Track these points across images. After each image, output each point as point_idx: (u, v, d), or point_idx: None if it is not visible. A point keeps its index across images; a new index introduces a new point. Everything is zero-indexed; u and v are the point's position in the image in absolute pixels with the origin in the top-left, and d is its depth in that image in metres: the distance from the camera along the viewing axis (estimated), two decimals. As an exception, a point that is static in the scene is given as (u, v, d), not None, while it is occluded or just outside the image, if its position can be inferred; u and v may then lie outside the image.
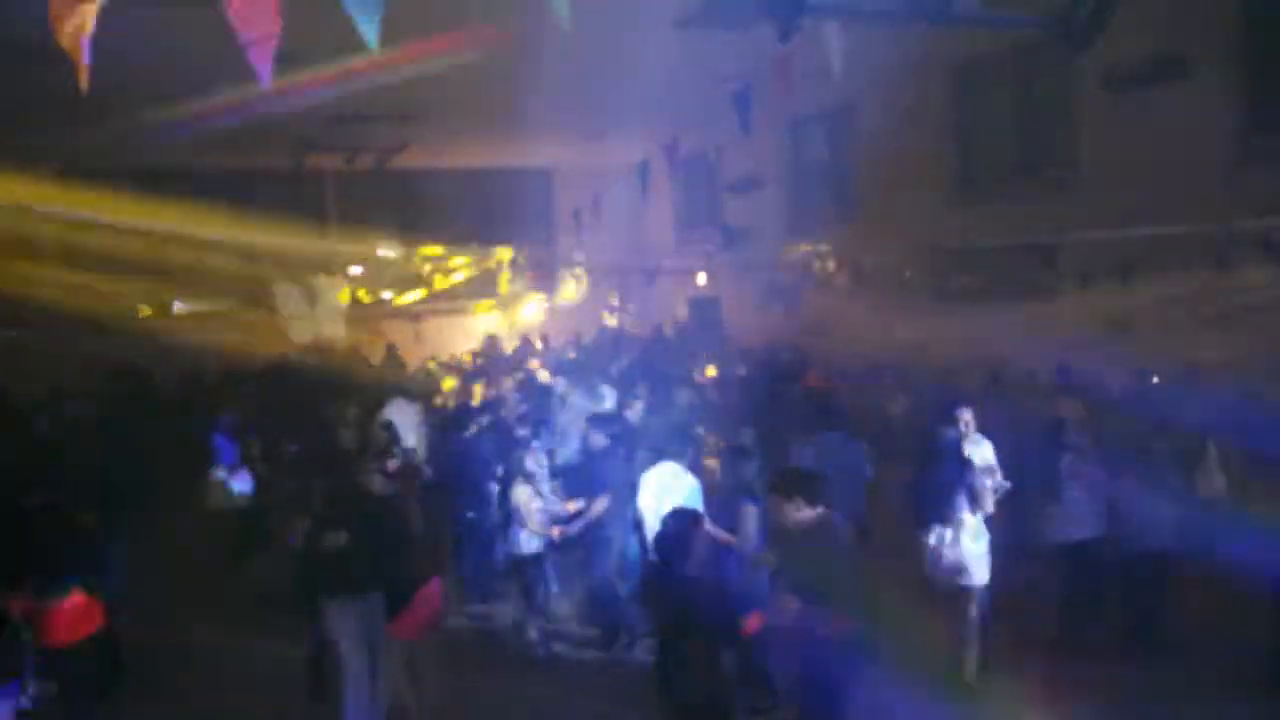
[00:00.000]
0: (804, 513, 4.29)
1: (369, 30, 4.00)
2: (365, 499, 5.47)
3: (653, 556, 5.35)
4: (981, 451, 5.85)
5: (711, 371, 10.97)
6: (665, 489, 5.78)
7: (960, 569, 5.40)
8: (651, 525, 5.75)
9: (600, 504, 6.27)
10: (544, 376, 10.55)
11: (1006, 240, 10.33)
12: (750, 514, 5.59)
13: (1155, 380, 8.34)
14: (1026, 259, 10.35)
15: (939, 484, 5.42)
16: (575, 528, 6.36)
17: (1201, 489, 6.76)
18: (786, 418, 8.62)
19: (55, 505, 5.38)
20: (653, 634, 5.75)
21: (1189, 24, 8.42)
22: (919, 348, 11.26)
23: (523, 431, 7.61)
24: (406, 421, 8.52)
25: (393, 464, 7.04)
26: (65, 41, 3.94)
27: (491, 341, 15.18)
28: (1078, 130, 9.60)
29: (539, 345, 14.86)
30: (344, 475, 5.86)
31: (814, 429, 6.78)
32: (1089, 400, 6.70)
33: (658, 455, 6.04)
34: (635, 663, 6.09)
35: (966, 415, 5.88)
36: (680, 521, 4.57)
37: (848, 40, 6.65)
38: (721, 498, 5.94)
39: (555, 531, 6.34)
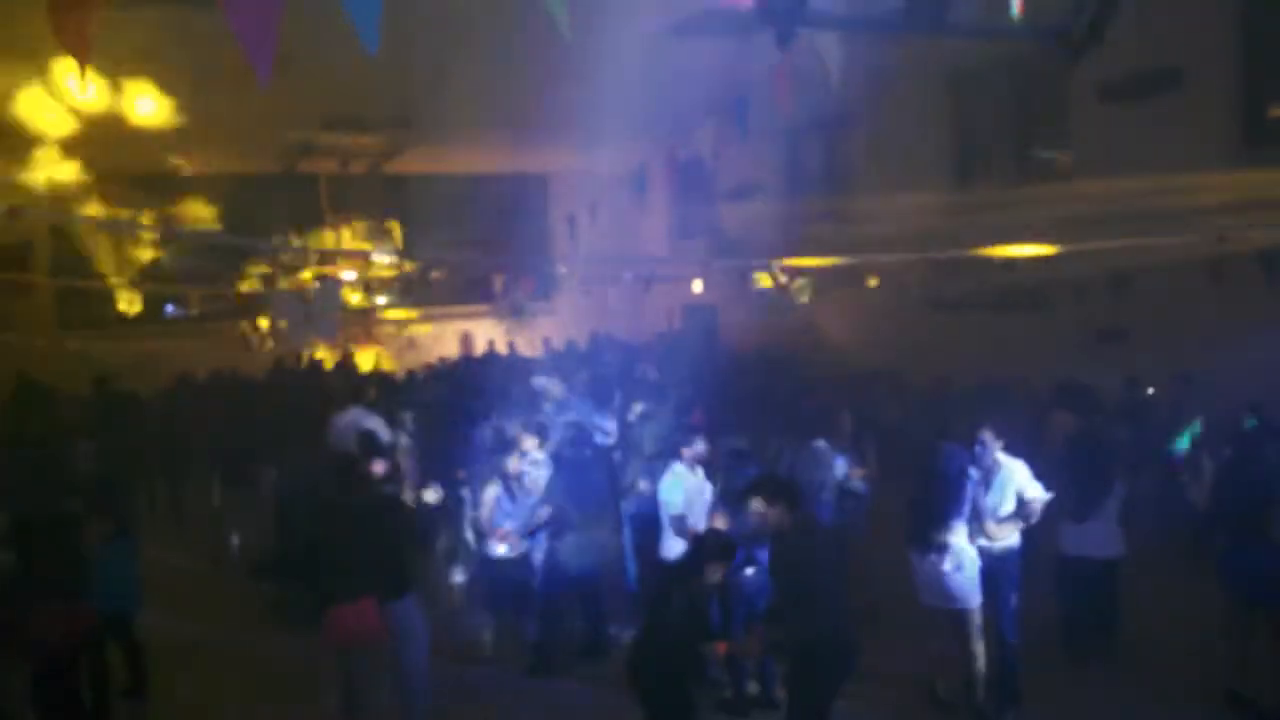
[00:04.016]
0: (784, 516, 4.36)
1: (369, 35, 3.96)
2: (327, 505, 5.43)
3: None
4: (1016, 472, 5.35)
5: None
6: (690, 490, 5.81)
7: (948, 593, 5.17)
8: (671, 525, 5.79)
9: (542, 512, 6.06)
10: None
11: (1003, 249, 10.32)
12: None
13: (1150, 391, 8.36)
14: (1023, 268, 10.34)
15: (934, 504, 5.19)
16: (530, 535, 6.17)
17: (1193, 495, 6.78)
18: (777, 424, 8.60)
19: (66, 515, 5.27)
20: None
21: (1186, 35, 8.46)
22: (915, 356, 11.27)
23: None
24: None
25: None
26: (66, 41, 3.88)
27: (466, 342, 14.51)
28: (1074, 140, 9.62)
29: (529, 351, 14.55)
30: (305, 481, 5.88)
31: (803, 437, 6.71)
32: (1087, 411, 6.66)
33: (669, 457, 6.04)
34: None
35: (988, 435, 5.34)
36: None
37: (845, 49, 6.65)
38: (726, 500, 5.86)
39: (499, 534, 6.04)
